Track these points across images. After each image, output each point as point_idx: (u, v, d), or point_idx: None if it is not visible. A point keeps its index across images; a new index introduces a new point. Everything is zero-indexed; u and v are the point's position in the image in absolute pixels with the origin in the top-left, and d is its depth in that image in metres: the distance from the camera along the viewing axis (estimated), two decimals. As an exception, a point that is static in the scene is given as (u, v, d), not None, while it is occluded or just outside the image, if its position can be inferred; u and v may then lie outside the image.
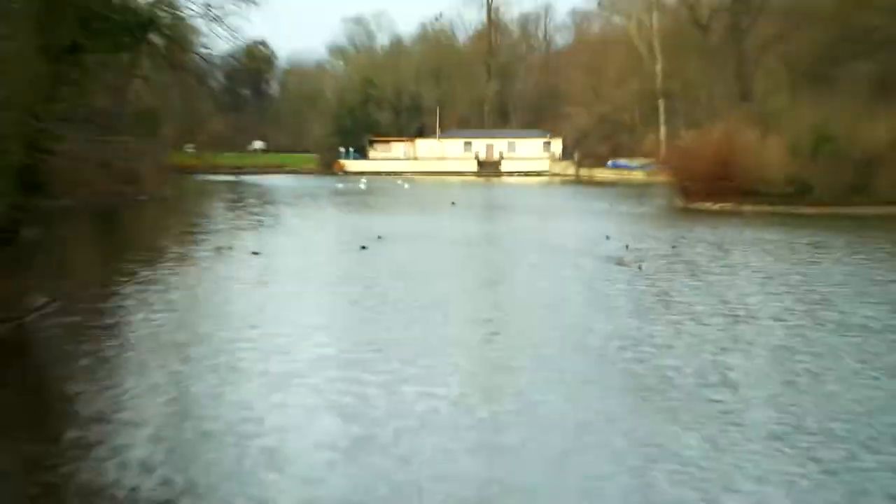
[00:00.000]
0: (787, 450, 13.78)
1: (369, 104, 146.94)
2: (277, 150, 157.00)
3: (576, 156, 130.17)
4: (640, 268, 33.02)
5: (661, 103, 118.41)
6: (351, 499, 11.88)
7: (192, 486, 12.28)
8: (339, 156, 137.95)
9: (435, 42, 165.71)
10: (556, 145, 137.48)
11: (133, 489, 12.13)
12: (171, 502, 11.76)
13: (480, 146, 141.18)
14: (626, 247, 39.58)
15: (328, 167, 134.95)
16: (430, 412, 15.52)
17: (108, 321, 23.53)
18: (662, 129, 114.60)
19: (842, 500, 12.01)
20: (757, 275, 31.99)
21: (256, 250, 37.88)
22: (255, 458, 13.24)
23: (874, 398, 16.50)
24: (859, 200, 58.50)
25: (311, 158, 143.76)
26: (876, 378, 17.89)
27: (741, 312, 24.59)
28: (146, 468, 12.86)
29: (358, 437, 14.20)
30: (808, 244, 41.05)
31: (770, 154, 62.99)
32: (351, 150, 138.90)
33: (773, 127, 67.69)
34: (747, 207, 60.45)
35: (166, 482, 12.42)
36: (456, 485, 12.33)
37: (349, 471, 12.82)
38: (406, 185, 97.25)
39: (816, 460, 13.36)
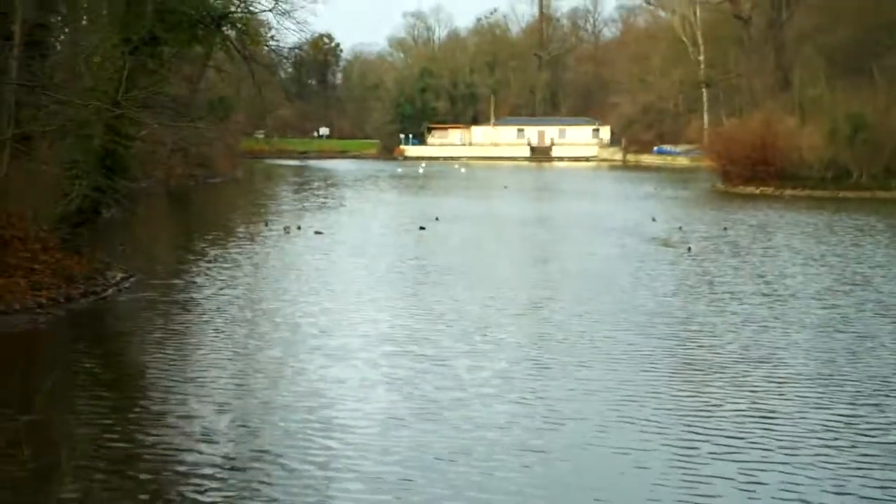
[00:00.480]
0: (826, 431, 13.25)
1: (427, 93, 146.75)
2: (341, 137, 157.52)
3: (623, 142, 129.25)
4: (689, 249, 32.34)
5: (704, 92, 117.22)
6: (401, 470, 11.56)
7: (257, 453, 12.04)
8: (398, 142, 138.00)
9: (489, 34, 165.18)
10: (605, 132, 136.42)
11: (201, 455, 11.91)
12: (238, 469, 11.51)
13: (532, 133, 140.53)
14: (680, 228, 39.01)
15: (388, 152, 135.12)
16: (480, 385, 15.17)
17: (180, 297, 23.43)
18: (705, 117, 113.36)
19: (879, 486, 11.45)
20: (798, 256, 31.23)
21: (320, 230, 37.76)
22: (316, 428, 12.96)
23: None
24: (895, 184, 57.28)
25: (372, 144, 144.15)
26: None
27: (783, 292, 23.93)
28: (213, 436, 12.64)
29: (409, 409, 13.88)
30: (848, 227, 40.10)
31: (808, 140, 61.87)
32: (410, 136, 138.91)
33: (811, 115, 66.48)
34: (787, 191, 59.37)
35: (232, 450, 12.20)
36: (502, 457, 11.96)
37: (402, 441, 12.51)
38: (463, 170, 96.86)
39: (858, 442, 12.83)
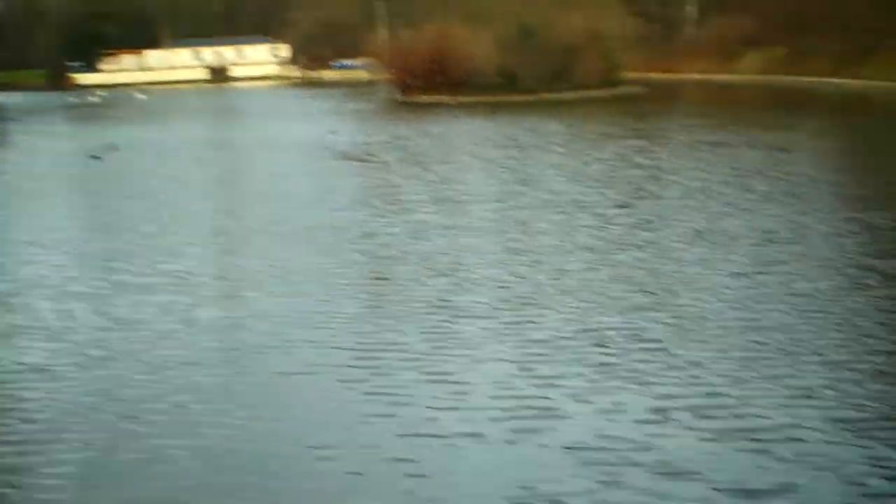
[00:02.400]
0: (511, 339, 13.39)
1: (97, 18, 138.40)
2: (1, 68, 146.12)
3: (303, 59, 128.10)
4: (383, 162, 31.97)
5: (382, 5, 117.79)
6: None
7: None
8: (68, 70, 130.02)
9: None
10: (284, 50, 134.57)
11: None
12: None
13: (210, 54, 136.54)
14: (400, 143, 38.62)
15: (58, 82, 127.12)
16: (138, 324, 14.26)
17: None
18: (384, 30, 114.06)
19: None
20: (477, 160, 31.81)
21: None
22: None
23: (581, 265, 16.37)
24: (560, 87, 59.73)
25: (39, 74, 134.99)
26: (589, 249, 17.82)
27: (463, 197, 24.22)
28: None
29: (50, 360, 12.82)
30: (521, 130, 41.26)
31: (480, 48, 63.27)
32: (81, 64, 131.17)
33: (483, 23, 68.04)
34: (461, 98, 60.60)
35: None
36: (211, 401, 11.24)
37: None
38: (144, 97, 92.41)
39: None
